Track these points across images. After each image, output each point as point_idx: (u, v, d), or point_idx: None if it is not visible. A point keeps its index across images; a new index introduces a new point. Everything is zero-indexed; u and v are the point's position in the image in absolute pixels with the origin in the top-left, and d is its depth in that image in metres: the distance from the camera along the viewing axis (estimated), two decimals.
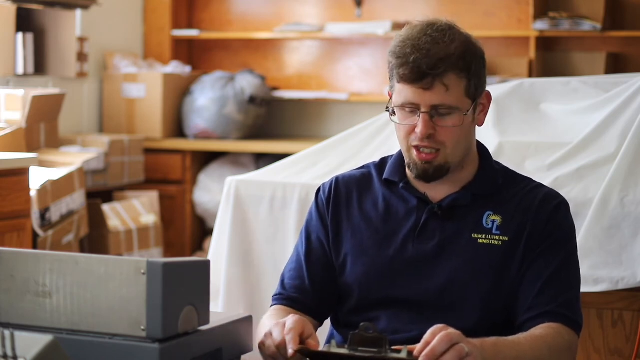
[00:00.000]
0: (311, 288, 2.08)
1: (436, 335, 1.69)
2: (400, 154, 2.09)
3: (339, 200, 2.11)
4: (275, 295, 2.12)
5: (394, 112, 2.01)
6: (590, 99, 3.28)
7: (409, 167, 2.03)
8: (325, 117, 6.44)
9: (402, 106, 1.98)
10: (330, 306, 2.10)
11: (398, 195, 2.07)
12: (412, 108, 1.97)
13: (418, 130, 1.96)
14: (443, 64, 1.93)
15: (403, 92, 1.97)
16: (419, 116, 1.96)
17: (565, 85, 3.42)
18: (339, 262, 2.08)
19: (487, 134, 3.20)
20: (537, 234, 1.99)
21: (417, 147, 1.98)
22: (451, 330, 1.70)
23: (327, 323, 2.16)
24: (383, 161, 2.15)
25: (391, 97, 2.03)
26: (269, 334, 1.82)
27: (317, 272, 2.09)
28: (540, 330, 1.91)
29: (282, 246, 3.31)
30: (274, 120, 6.48)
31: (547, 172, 3.01)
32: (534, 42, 5.79)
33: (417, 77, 1.93)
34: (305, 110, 6.48)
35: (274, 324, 1.83)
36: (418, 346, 1.69)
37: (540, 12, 5.76)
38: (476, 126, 2.05)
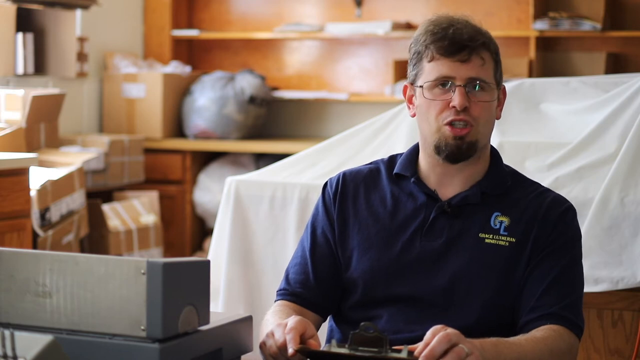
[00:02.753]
0: (315, 283, 2.08)
1: (436, 335, 1.69)
2: (413, 149, 2.09)
3: (346, 195, 2.11)
4: (280, 290, 2.12)
5: (411, 103, 2.03)
6: (590, 99, 3.28)
7: (437, 150, 2.01)
8: (325, 117, 6.44)
9: (436, 81, 1.98)
10: (335, 301, 2.10)
11: (406, 192, 2.07)
12: (447, 81, 1.98)
13: (455, 102, 1.96)
14: (481, 37, 1.97)
15: (436, 68, 1.98)
16: (453, 91, 1.97)
17: (565, 85, 3.41)
18: (345, 257, 2.08)
19: None
20: (543, 238, 1.99)
21: (450, 123, 1.98)
22: (450, 330, 1.70)
23: (327, 321, 2.16)
24: (392, 158, 2.15)
25: (405, 92, 2.04)
26: (270, 334, 1.82)
27: (322, 268, 2.09)
28: (542, 332, 1.92)
29: (282, 246, 3.31)
30: (274, 120, 6.49)
31: (547, 172, 3.01)
32: (534, 42, 5.79)
33: (455, 48, 1.96)
34: (305, 110, 6.48)
35: (276, 324, 1.83)
36: (419, 346, 1.69)
37: (540, 12, 5.76)
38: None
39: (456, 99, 1.96)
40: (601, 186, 2.85)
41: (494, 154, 2.10)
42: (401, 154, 2.13)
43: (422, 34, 2.00)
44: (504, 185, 2.06)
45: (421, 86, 2.01)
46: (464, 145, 1.99)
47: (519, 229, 2.00)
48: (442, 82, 1.98)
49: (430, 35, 1.98)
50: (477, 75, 1.97)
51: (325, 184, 2.15)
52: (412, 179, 2.06)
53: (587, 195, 2.88)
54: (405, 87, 2.07)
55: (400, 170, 2.09)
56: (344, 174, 2.14)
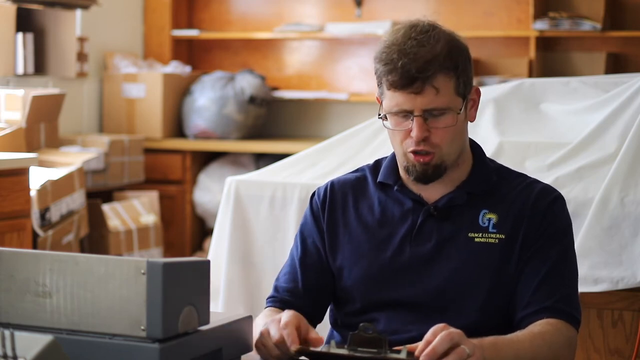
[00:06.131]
0: (304, 292, 2.09)
1: (437, 334, 1.69)
2: (393, 156, 2.08)
3: (335, 205, 2.11)
4: (269, 298, 2.13)
5: (385, 117, 2.01)
6: (590, 99, 3.28)
7: (407, 171, 2.02)
8: (325, 117, 6.44)
9: (395, 113, 1.98)
10: (323, 310, 2.11)
11: (393, 198, 2.07)
12: (405, 113, 1.97)
13: (413, 134, 1.95)
14: (431, 66, 1.93)
15: (394, 99, 1.96)
16: (412, 120, 1.96)
17: (565, 85, 3.42)
18: (336, 266, 2.08)
19: (487, 134, 3.20)
20: (533, 230, 1.99)
21: (413, 151, 1.98)
22: (452, 329, 1.70)
23: (328, 323, 2.16)
24: (377, 163, 2.14)
25: (381, 104, 2.02)
26: (266, 332, 1.82)
27: (311, 276, 2.09)
28: (539, 326, 1.91)
29: (282, 246, 3.31)
30: (274, 120, 6.49)
31: (547, 172, 3.01)
32: (534, 42, 5.79)
33: (406, 82, 1.93)
34: (305, 110, 6.48)
35: (270, 320, 1.83)
36: (419, 346, 1.69)
37: (540, 12, 5.76)
38: (469, 123, 2.05)
39: (414, 131, 1.95)
40: (601, 186, 2.85)
41: (476, 151, 2.09)
42: (386, 158, 2.13)
43: (377, 58, 1.97)
44: (489, 183, 2.05)
45: (384, 114, 2.00)
46: (429, 169, 1.99)
47: (507, 225, 2.00)
48: (401, 113, 1.97)
49: (382, 66, 1.96)
50: (431, 106, 1.94)
51: (313, 194, 2.15)
52: (395, 187, 2.06)
53: (587, 195, 2.88)
54: (378, 99, 2.05)
55: (383, 179, 2.09)
56: (332, 184, 2.14)
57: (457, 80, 1.97)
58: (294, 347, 1.75)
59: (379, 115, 2.02)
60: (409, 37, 1.95)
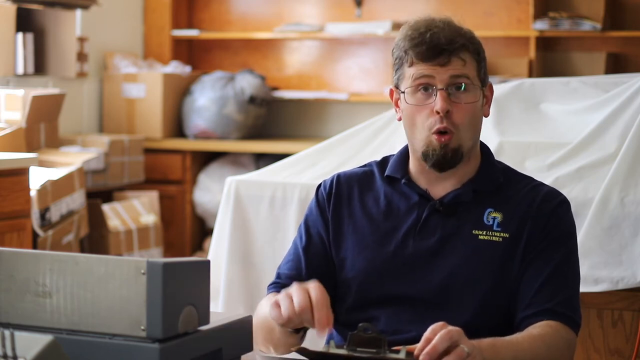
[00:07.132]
0: (307, 280, 2.08)
1: (437, 332, 1.69)
2: (403, 150, 2.09)
3: (340, 197, 2.11)
4: (271, 284, 2.12)
5: (405, 101, 2.01)
6: (590, 99, 3.28)
7: (424, 158, 2.01)
8: (325, 117, 6.44)
9: (417, 85, 1.98)
10: None
11: (399, 192, 2.07)
12: (428, 85, 1.97)
13: (437, 106, 1.96)
14: (460, 39, 1.97)
15: (417, 72, 1.98)
16: (435, 95, 1.96)
17: (565, 85, 3.42)
18: (339, 258, 2.08)
19: (487, 134, 3.19)
20: (537, 232, 1.99)
21: (437, 131, 1.98)
22: (451, 327, 1.70)
23: None
24: (385, 159, 2.15)
25: (392, 97, 2.03)
26: (289, 296, 1.78)
27: (315, 265, 2.09)
28: (539, 328, 1.92)
29: (282, 246, 3.31)
30: (274, 120, 6.49)
31: (547, 172, 3.02)
32: (534, 42, 5.79)
33: (433, 53, 1.95)
34: (305, 110, 6.48)
35: (297, 287, 1.79)
36: (419, 344, 1.69)
37: (540, 12, 5.76)
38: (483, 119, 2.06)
39: (438, 102, 1.96)
40: (601, 186, 2.85)
41: (485, 151, 2.10)
42: (394, 155, 2.13)
43: (402, 39, 2.00)
44: (496, 182, 2.05)
45: (403, 92, 2.01)
46: (449, 153, 1.98)
47: (512, 224, 2.00)
48: (424, 86, 1.98)
49: (409, 41, 1.98)
50: (459, 72, 1.97)
51: (319, 186, 2.16)
52: (403, 180, 2.07)
53: (587, 195, 2.88)
54: (391, 91, 2.06)
55: (391, 173, 2.09)
56: (338, 176, 2.15)
57: (478, 65, 2.01)
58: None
59: (400, 91, 2.01)
60: (432, 19, 2.00)
